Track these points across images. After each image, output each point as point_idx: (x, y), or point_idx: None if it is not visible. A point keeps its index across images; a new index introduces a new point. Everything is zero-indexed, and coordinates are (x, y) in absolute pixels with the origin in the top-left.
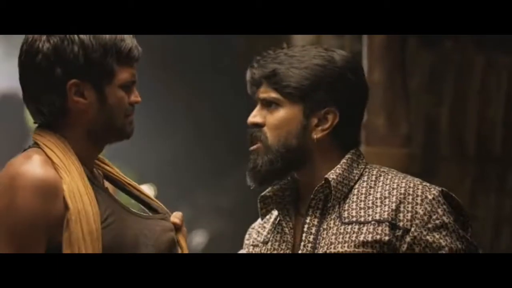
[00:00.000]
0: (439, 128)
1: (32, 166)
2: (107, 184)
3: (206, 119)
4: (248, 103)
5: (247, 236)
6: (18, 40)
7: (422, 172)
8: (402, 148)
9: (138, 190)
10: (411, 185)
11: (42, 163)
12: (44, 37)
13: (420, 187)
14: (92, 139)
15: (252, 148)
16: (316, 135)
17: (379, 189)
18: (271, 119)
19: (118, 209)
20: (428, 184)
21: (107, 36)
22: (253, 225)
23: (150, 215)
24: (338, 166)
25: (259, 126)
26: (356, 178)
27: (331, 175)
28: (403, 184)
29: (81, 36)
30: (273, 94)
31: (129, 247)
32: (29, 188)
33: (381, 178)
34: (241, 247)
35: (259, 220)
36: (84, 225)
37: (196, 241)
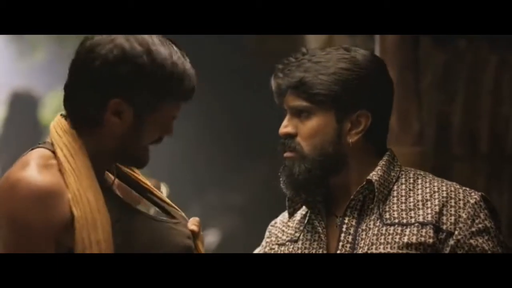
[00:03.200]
0: (451, 127)
1: (31, 173)
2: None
3: (218, 117)
4: (260, 101)
5: (267, 234)
6: (31, 39)
7: (434, 170)
8: (414, 146)
9: (153, 193)
10: (452, 189)
11: (41, 169)
12: (110, 45)
13: (461, 191)
14: (111, 156)
15: (286, 155)
16: (351, 139)
17: (420, 192)
18: (304, 129)
19: (128, 213)
20: (468, 189)
21: (170, 68)
22: (273, 223)
23: (166, 219)
24: (379, 167)
25: (291, 136)
26: (394, 180)
27: (374, 176)
28: (444, 188)
29: (143, 60)
30: (304, 103)
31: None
32: (29, 197)
33: (419, 181)
34: (254, 246)
35: (280, 218)
36: (92, 233)
37: (208, 240)
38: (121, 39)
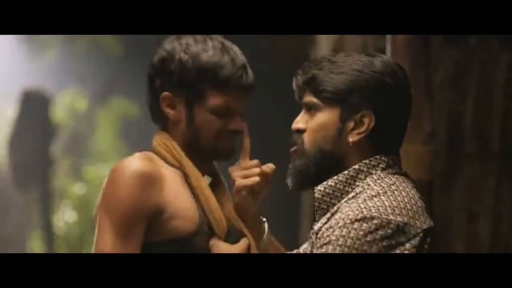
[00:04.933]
0: (462, 125)
1: (133, 160)
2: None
3: None
4: (273, 103)
5: None
6: (42, 40)
7: (445, 169)
8: (426, 145)
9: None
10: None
11: (142, 158)
12: (159, 49)
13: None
14: (188, 150)
15: (291, 150)
16: (352, 138)
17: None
18: (311, 124)
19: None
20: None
21: (207, 60)
22: None
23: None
24: (334, 178)
25: (301, 131)
26: (353, 193)
27: (320, 186)
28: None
29: (182, 55)
30: (313, 99)
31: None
32: (127, 177)
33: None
34: None
35: None
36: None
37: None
38: (167, 42)
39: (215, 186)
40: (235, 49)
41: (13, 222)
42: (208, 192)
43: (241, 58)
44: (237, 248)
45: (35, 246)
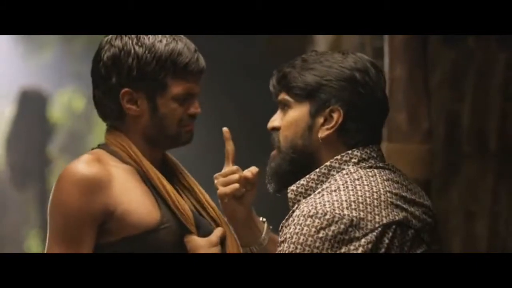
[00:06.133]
0: (460, 125)
1: (78, 164)
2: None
3: (231, 117)
4: (271, 102)
5: None
6: (39, 39)
7: (443, 168)
8: (424, 144)
9: (193, 195)
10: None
11: (89, 160)
12: (107, 46)
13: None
14: (148, 143)
15: (271, 154)
16: (322, 134)
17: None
18: (283, 121)
19: (173, 219)
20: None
21: (163, 49)
22: None
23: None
24: (306, 176)
25: (277, 129)
26: (320, 189)
27: (293, 186)
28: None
29: (137, 49)
30: (285, 96)
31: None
32: (70, 184)
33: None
34: None
35: None
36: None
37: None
38: (112, 38)
39: (172, 174)
40: (181, 35)
41: (10, 222)
42: (169, 187)
43: (190, 42)
44: (213, 239)
45: (33, 245)
